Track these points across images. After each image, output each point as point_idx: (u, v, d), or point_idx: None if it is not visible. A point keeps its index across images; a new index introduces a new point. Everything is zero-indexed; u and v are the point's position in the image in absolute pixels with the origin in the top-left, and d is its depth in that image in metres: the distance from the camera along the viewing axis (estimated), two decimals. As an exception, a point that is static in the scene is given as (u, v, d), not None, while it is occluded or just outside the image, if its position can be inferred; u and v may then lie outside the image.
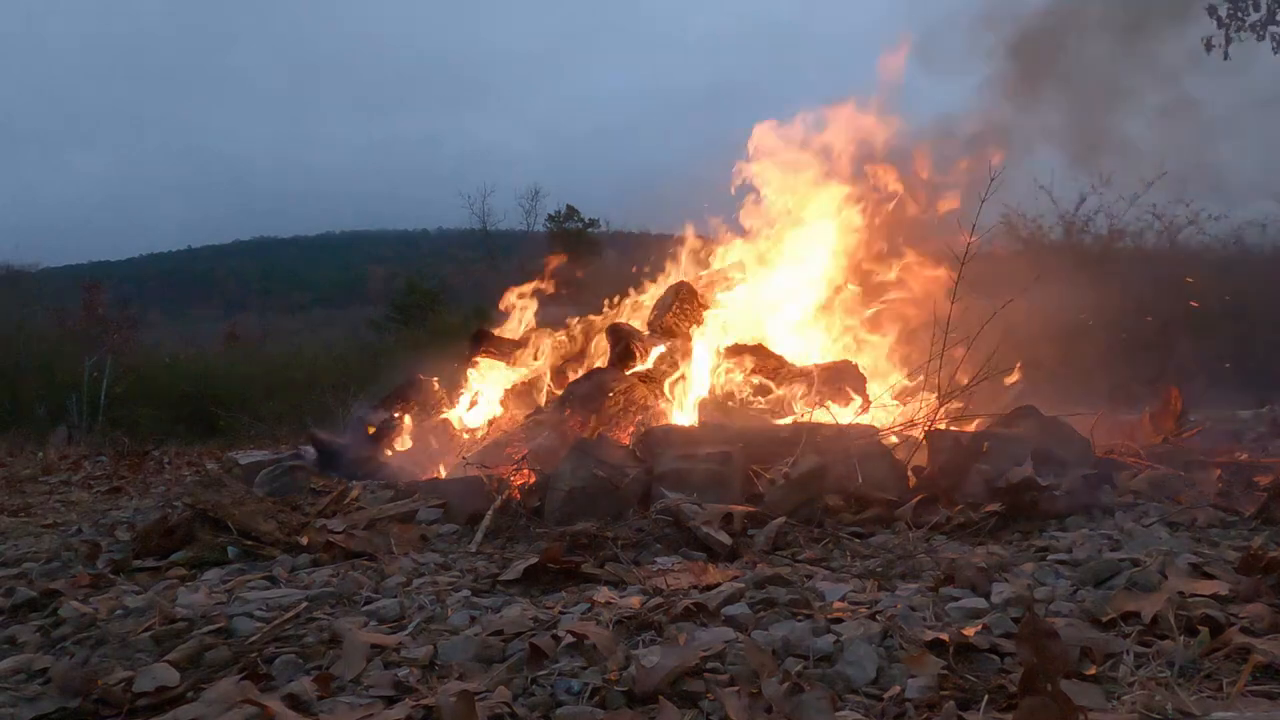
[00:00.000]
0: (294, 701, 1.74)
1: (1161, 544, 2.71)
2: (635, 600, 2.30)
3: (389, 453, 5.32)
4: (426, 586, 2.61)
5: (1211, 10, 11.22)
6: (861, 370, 5.07)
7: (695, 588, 2.41)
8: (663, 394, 5.05)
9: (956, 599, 2.21)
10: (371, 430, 5.34)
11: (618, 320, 6.08)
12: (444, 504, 3.78)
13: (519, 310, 6.52)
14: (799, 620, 2.10)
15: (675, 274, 6.37)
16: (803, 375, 4.96)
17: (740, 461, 3.75)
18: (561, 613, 2.26)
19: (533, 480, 3.94)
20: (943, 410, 4.09)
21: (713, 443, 3.86)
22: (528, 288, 6.60)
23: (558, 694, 1.74)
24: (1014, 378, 4.78)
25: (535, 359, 6.13)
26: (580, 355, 6.07)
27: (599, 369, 5.43)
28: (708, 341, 5.44)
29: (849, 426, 3.94)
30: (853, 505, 3.44)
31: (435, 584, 2.64)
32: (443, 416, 5.69)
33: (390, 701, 1.75)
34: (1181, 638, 1.85)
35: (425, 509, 3.77)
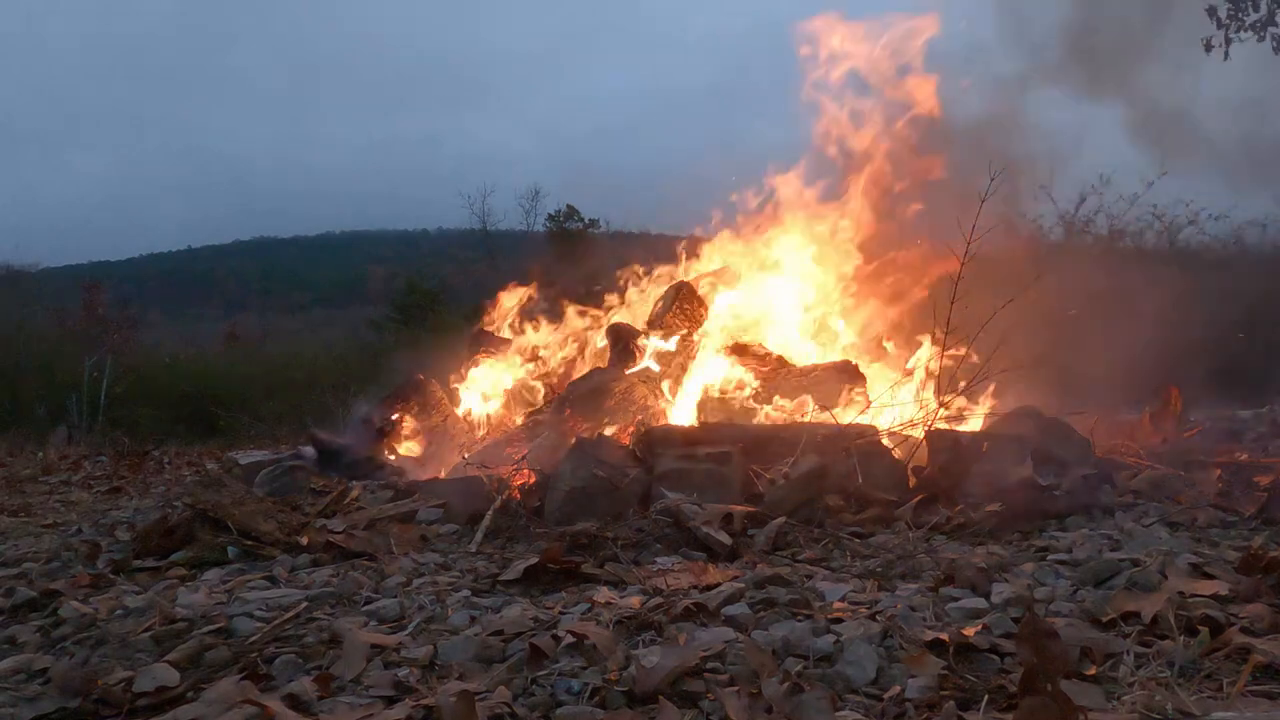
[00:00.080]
0: (294, 701, 1.74)
1: (1161, 544, 2.71)
2: (635, 600, 2.30)
3: (389, 453, 5.32)
4: (426, 586, 2.61)
5: (1211, 11, 11.21)
6: (862, 370, 5.06)
7: (695, 588, 2.41)
8: (663, 394, 5.05)
9: (956, 599, 2.21)
10: (376, 427, 5.34)
11: (618, 320, 6.08)
12: (444, 504, 3.79)
13: (518, 312, 6.52)
14: (799, 620, 2.10)
15: (675, 274, 6.37)
16: (803, 375, 4.96)
17: (740, 461, 3.75)
18: (561, 613, 2.26)
19: (533, 480, 3.94)
20: (942, 410, 4.09)
21: (713, 443, 3.86)
22: (525, 291, 6.60)
23: (558, 694, 1.74)
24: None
25: (535, 359, 6.13)
26: (580, 355, 6.08)
27: (599, 369, 5.43)
28: (708, 341, 5.44)
29: (849, 426, 3.94)
30: (853, 505, 3.44)
31: (435, 584, 2.64)
32: (443, 417, 5.68)
33: (390, 701, 1.75)
34: (1181, 638, 1.85)
35: (425, 509, 3.77)
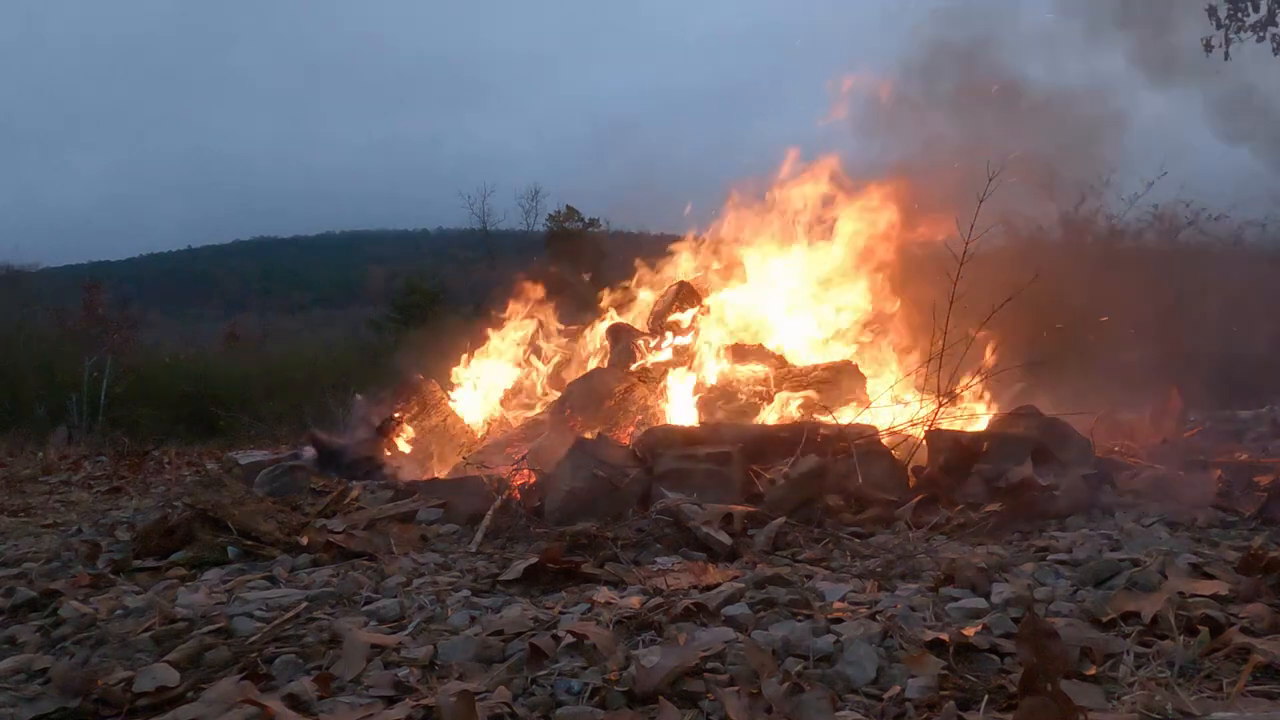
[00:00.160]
0: (294, 701, 1.74)
1: (1161, 544, 2.72)
2: (635, 600, 2.30)
3: (389, 453, 5.32)
4: (426, 586, 2.61)
5: (1211, 11, 11.22)
6: (862, 370, 5.07)
7: (695, 588, 2.41)
8: (663, 394, 5.05)
9: (956, 599, 2.22)
10: (375, 427, 5.34)
11: (617, 320, 6.08)
12: (444, 504, 3.79)
13: (519, 313, 6.51)
14: (799, 620, 2.10)
15: (676, 274, 6.37)
16: (803, 375, 4.96)
17: (740, 461, 3.75)
18: (561, 613, 2.26)
19: (533, 480, 3.95)
20: (942, 410, 4.09)
21: (713, 443, 3.86)
22: (530, 293, 6.59)
23: (558, 694, 1.74)
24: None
25: (535, 359, 6.13)
26: (580, 355, 6.08)
27: (599, 369, 5.43)
28: (708, 341, 5.44)
29: (849, 426, 3.94)
30: (853, 505, 3.44)
31: (435, 584, 2.64)
32: (443, 417, 5.68)
33: (390, 701, 1.74)
34: (1181, 638, 1.85)
35: (425, 509, 3.77)
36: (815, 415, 4.00)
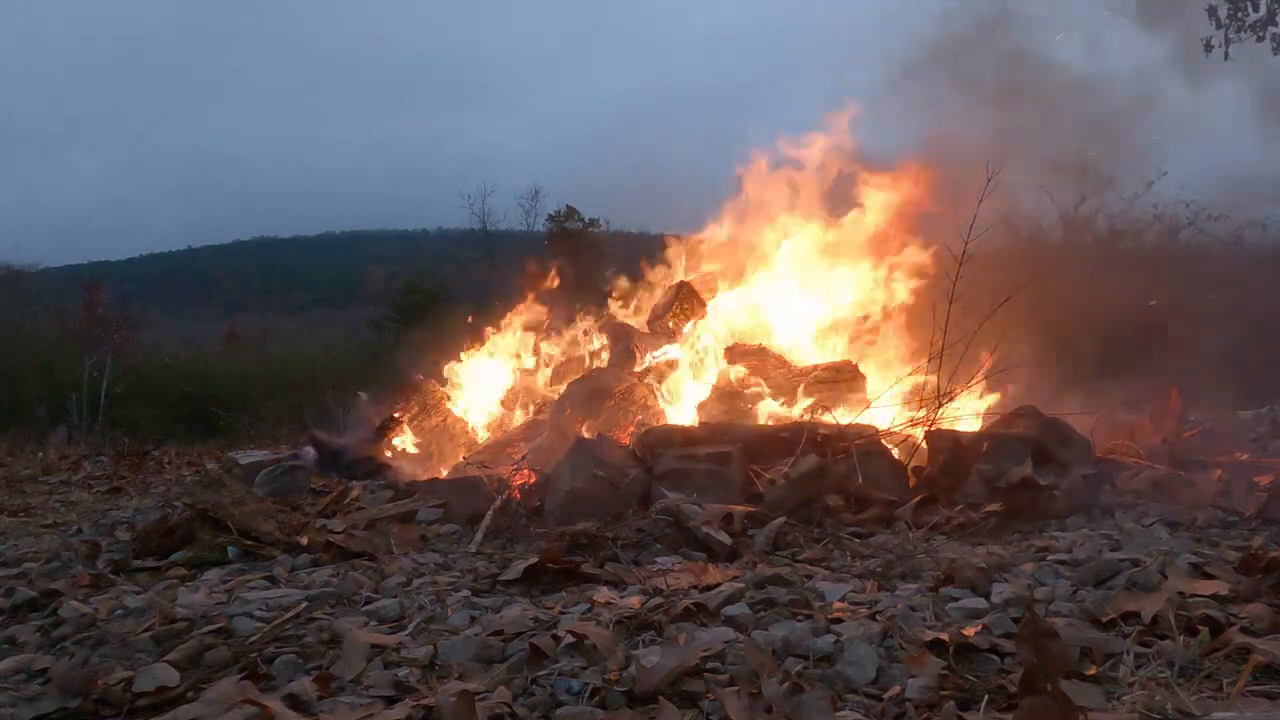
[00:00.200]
0: (294, 701, 1.74)
1: (1161, 544, 2.71)
2: (635, 600, 2.30)
3: (389, 453, 5.32)
4: (426, 586, 2.61)
5: (1211, 11, 11.22)
6: (862, 370, 5.06)
7: (695, 588, 2.41)
8: (663, 394, 5.05)
9: (956, 599, 2.21)
10: (375, 427, 5.34)
11: (617, 320, 6.08)
12: (444, 504, 3.79)
13: (519, 313, 6.51)
14: (799, 620, 2.10)
15: (676, 274, 6.37)
16: (803, 375, 4.96)
17: (740, 461, 3.75)
18: (561, 613, 2.26)
19: (533, 480, 3.95)
20: (942, 410, 4.08)
21: (713, 443, 3.86)
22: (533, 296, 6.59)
23: (558, 694, 1.74)
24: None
25: (535, 359, 6.13)
26: (580, 355, 6.08)
27: (599, 369, 5.43)
28: (708, 341, 5.44)
29: (849, 426, 3.94)
30: (853, 505, 3.44)
31: (435, 584, 2.64)
32: (443, 417, 5.68)
33: (390, 701, 1.75)
34: (1181, 638, 1.85)
35: (425, 509, 3.77)
36: (815, 415, 4.00)
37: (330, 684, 1.86)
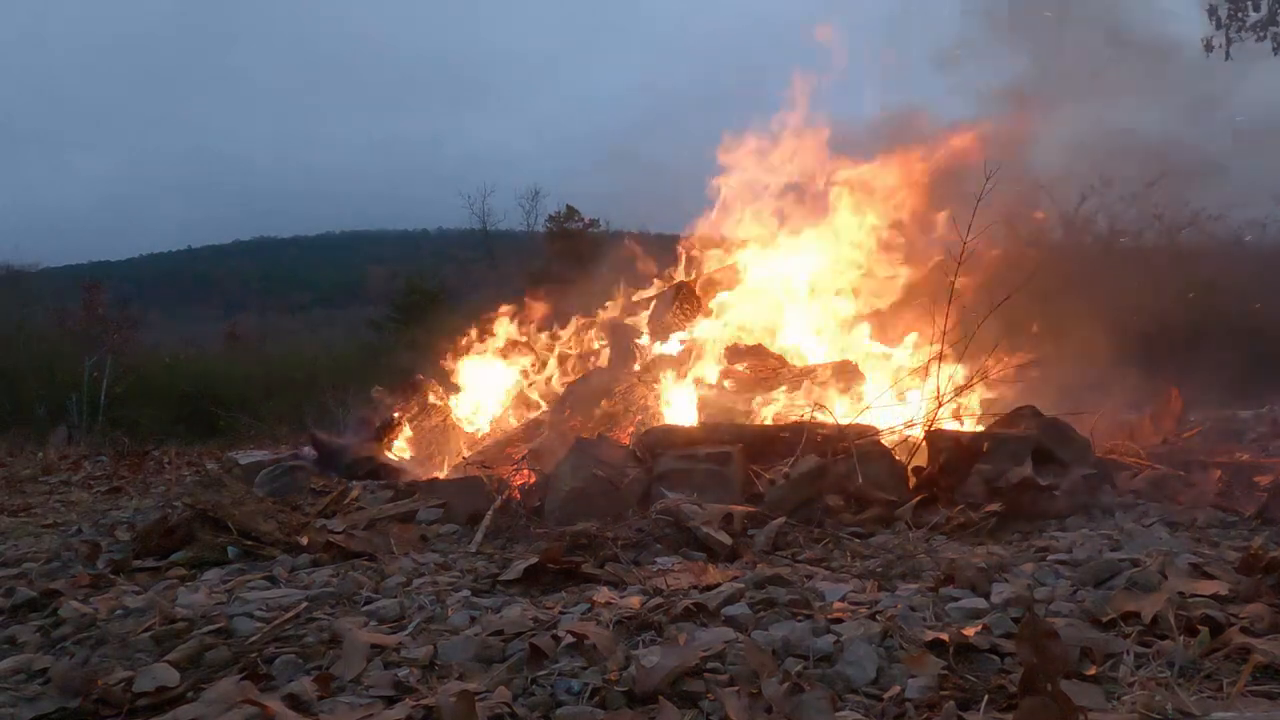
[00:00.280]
0: (294, 701, 1.74)
1: (1161, 544, 2.71)
2: (635, 600, 2.30)
3: (389, 453, 5.32)
4: (426, 586, 2.61)
5: (1211, 11, 11.23)
6: (862, 369, 5.06)
7: (695, 588, 2.41)
8: (663, 394, 5.05)
9: (956, 599, 2.21)
10: (375, 427, 5.34)
11: (617, 320, 6.08)
12: (444, 504, 3.79)
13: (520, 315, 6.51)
14: (799, 620, 2.10)
15: (675, 274, 6.37)
16: (803, 375, 4.96)
17: (740, 461, 3.75)
18: (561, 613, 2.25)
19: (533, 480, 3.95)
20: (942, 410, 4.08)
21: (713, 443, 3.86)
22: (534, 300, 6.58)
23: (558, 694, 1.74)
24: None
25: (535, 359, 6.13)
26: (580, 355, 6.08)
27: (599, 369, 5.43)
28: (708, 341, 5.44)
29: (849, 426, 3.94)
30: (853, 505, 3.44)
31: (435, 584, 2.64)
32: (443, 417, 5.69)
33: (390, 701, 1.75)
34: (1181, 638, 1.85)
35: (425, 509, 3.77)
36: (815, 415, 4.00)
37: (330, 684, 1.86)
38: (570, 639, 1.95)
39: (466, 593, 2.53)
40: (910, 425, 4.15)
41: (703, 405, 4.86)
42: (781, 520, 3.15)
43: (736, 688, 1.69)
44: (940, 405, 4.08)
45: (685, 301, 5.79)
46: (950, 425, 4.13)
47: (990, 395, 4.74)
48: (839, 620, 2.06)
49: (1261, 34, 11.37)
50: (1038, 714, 1.42)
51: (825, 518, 3.32)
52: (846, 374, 4.95)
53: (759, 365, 5.11)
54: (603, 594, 2.40)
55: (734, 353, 5.22)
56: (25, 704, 1.83)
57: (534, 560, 2.67)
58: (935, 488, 3.58)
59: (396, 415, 5.53)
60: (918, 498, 3.45)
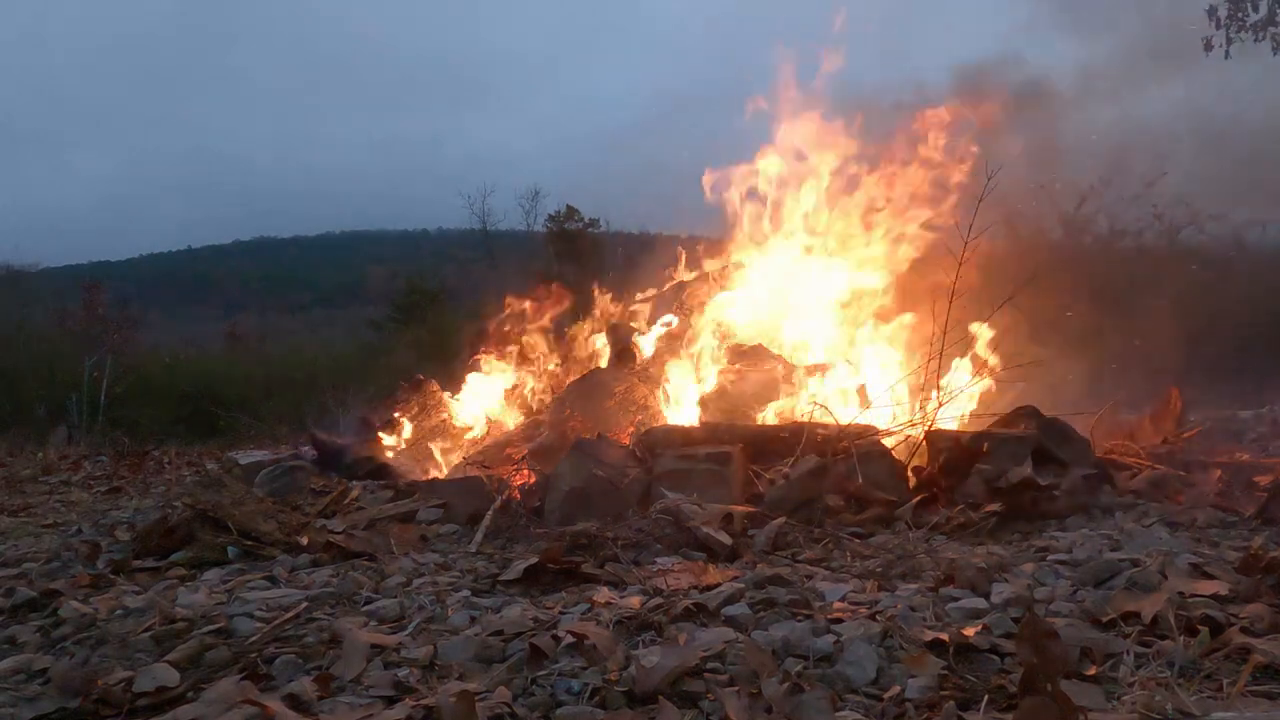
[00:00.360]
0: (294, 701, 1.74)
1: (1161, 544, 2.71)
2: (635, 600, 2.30)
3: (389, 452, 5.32)
4: (426, 586, 2.61)
5: (1211, 11, 11.23)
6: (862, 370, 5.06)
7: (695, 588, 2.41)
8: (663, 394, 5.05)
9: (956, 599, 2.21)
10: (374, 426, 5.34)
11: (617, 320, 6.08)
12: (444, 504, 3.79)
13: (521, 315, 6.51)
14: (799, 620, 2.10)
15: (676, 274, 6.37)
16: (803, 374, 4.96)
17: (740, 461, 3.75)
18: (561, 613, 2.25)
19: (533, 480, 3.95)
20: (942, 410, 4.08)
21: (713, 443, 3.86)
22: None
23: (558, 694, 1.74)
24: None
25: (536, 359, 6.13)
26: (580, 356, 6.08)
27: (599, 369, 5.43)
28: (708, 341, 5.44)
29: (849, 426, 3.94)
30: (853, 505, 3.44)
31: (435, 584, 2.64)
32: (443, 417, 5.69)
33: (390, 701, 1.74)
34: (1181, 638, 1.85)
35: (425, 509, 3.77)
36: (815, 415, 4.00)
37: (330, 684, 1.86)
38: (570, 639, 1.95)
39: (466, 593, 2.53)
40: (911, 425, 4.16)
41: (703, 405, 4.86)
42: (781, 520, 3.15)
43: (736, 688, 1.69)
44: (940, 405, 4.08)
45: (685, 301, 5.79)
46: (950, 425, 4.13)
47: (990, 395, 4.74)
48: (839, 620, 2.05)
49: (1261, 34, 11.37)
50: (1038, 714, 1.42)
51: (825, 518, 3.32)
52: (846, 374, 4.95)
53: (759, 365, 5.11)
54: (603, 594, 2.40)
55: (734, 353, 5.22)
56: (25, 704, 1.83)
57: (534, 560, 2.67)
58: (935, 488, 3.58)
59: (397, 415, 5.53)
60: (918, 498, 3.45)
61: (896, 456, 3.86)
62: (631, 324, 5.99)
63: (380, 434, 5.39)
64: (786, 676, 1.70)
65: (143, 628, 2.24)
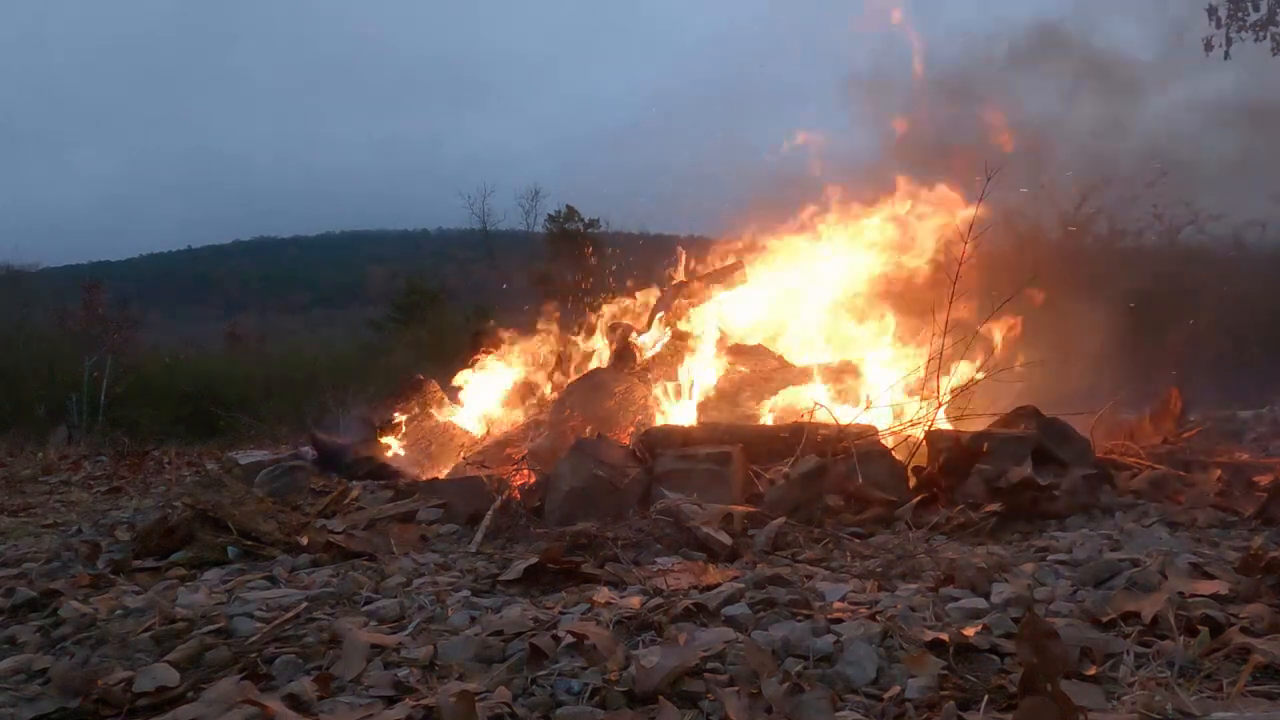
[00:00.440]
0: (294, 701, 1.74)
1: (1161, 544, 2.72)
2: (635, 600, 2.30)
3: (389, 452, 5.32)
4: (426, 586, 2.61)
5: (1211, 10, 11.23)
6: (862, 370, 5.06)
7: (695, 588, 2.41)
8: (663, 394, 5.05)
9: (956, 599, 2.21)
10: (374, 426, 5.34)
11: (617, 320, 6.08)
12: (444, 504, 3.79)
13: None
14: (799, 620, 2.10)
15: (676, 273, 6.37)
16: (803, 375, 4.96)
17: (740, 461, 3.75)
18: (561, 613, 2.25)
19: (533, 480, 3.95)
20: (943, 410, 4.08)
21: (713, 443, 3.86)
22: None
23: (558, 694, 1.74)
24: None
25: (535, 359, 6.13)
26: (579, 356, 6.08)
27: (598, 369, 5.43)
28: (708, 341, 5.44)
29: (849, 426, 3.94)
30: (853, 505, 3.44)
31: (435, 584, 2.64)
32: (443, 417, 5.69)
33: (390, 701, 1.74)
34: (1181, 638, 1.85)
35: (425, 509, 3.77)
36: (815, 415, 4.00)
37: (330, 684, 1.86)
38: (570, 639, 1.95)
39: (466, 593, 2.53)
40: (911, 425, 4.16)
41: (703, 405, 4.86)
42: (781, 520, 3.15)
43: (736, 688, 1.69)
44: (940, 406, 4.08)
45: (685, 302, 5.78)
46: (950, 425, 4.13)
47: (990, 395, 4.74)
48: (839, 620, 2.05)
49: (1261, 34, 11.37)
50: (1038, 714, 1.42)
51: (825, 518, 3.32)
52: (847, 374, 4.95)
53: (759, 365, 5.11)
54: (603, 594, 2.40)
55: (735, 353, 5.22)
56: (25, 704, 1.83)
57: (534, 560, 2.67)
58: (935, 488, 3.58)
59: (396, 415, 5.53)
60: (918, 498, 3.45)
61: (896, 456, 3.87)
62: (631, 324, 5.99)
63: (380, 434, 5.39)
64: (786, 676, 1.70)
65: (143, 628, 2.24)
